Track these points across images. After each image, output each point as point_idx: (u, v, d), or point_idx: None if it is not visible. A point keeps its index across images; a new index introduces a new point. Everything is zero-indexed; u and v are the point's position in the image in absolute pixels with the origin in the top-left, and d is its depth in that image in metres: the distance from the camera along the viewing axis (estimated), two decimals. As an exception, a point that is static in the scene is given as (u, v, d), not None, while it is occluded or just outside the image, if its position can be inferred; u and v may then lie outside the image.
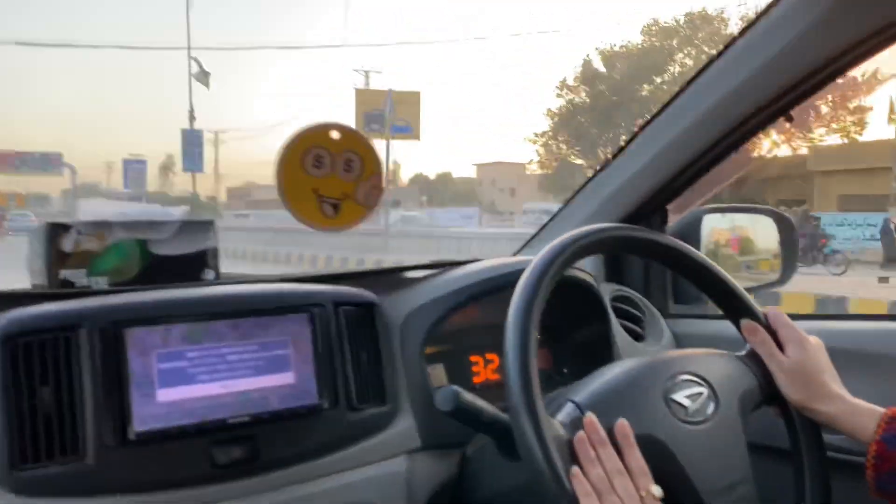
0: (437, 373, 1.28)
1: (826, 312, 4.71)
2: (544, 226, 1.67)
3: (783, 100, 1.23)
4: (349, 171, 1.20)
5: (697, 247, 1.47)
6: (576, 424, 0.86)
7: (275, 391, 1.04)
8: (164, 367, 0.97)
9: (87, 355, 0.93)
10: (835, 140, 25.84)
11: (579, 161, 32.90)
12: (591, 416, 0.85)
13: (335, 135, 1.20)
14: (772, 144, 25.52)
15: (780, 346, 1.01)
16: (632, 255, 1.62)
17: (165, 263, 1.21)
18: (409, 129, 27.70)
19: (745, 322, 1.04)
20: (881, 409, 0.94)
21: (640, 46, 31.61)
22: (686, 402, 0.93)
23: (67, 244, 1.15)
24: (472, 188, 48.97)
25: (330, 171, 1.19)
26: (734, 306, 1.05)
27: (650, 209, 1.51)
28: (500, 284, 1.21)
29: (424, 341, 1.19)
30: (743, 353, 1.04)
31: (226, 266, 1.23)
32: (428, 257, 1.44)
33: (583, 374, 0.99)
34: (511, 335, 0.86)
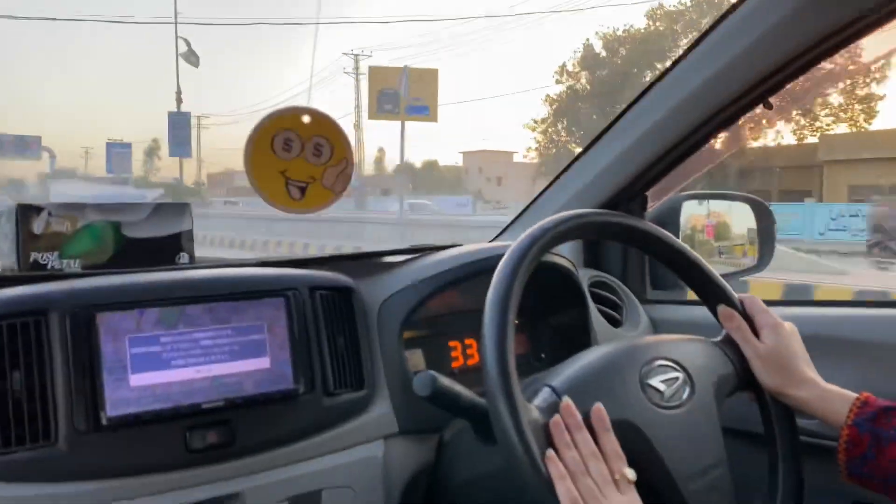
0: (415, 358, 1.28)
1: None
2: (523, 211, 1.67)
3: (762, 87, 1.24)
4: (318, 155, 1.21)
5: (676, 233, 1.48)
6: (552, 409, 0.86)
7: (250, 376, 1.03)
8: (137, 352, 0.96)
9: (59, 339, 0.92)
10: (843, 129, 25.33)
11: (578, 149, 31.93)
12: (567, 401, 0.86)
13: (306, 119, 1.21)
14: (776, 134, 25.04)
15: (755, 332, 1.02)
16: (610, 242, 1.63)
17: (139, 246, 1.19)
18: (425, 110, 25.32)
19: (721, 308, 1.04)
20: (853, 395, 0.95)
21: (643, 31, 30.59)
22: (662, 387, 0.94)
23: (38, 226, 1.13)
24: (459, 176, 48.81)
25: (299, 155, 1.20)
26: (711, 292, 1.06)
27: (629, 195, 1.52)
28: (479, 269, 1.21)
29: (402, 326, 1.19)
30: (719, 338, 1.05)
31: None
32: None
33: (560, 359, 0.99)
34: (489, 319, 0.86)
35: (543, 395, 0.89)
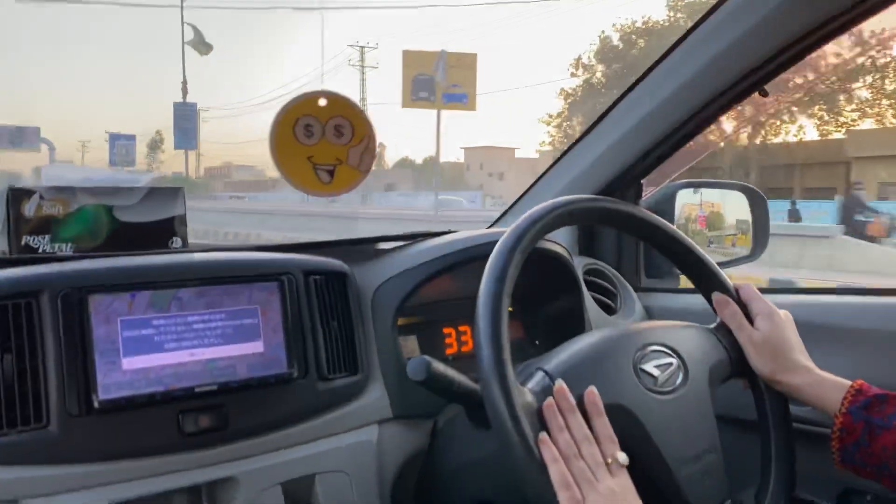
0: (410, 344, 1.28)
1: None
2: (519, 198, 1.67)
3: (757, 74, 1.23)
4: (340, 136, 1.22)
5: (671, 221, 1.48)
6: (546, 393, 0.86)
7: (243, 360, 1.02)
8: (129, 335, 0.95)
9: (50, 322, 0.91)
10: (869, 125, 24.07)
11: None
12: (561, 384, 0.86)
13: (322, 102, 1.21)
14: (798, 129, 24.42)
15: (749, 320, 1.02)
16: (605, 229, 1.63)
17: (132, 230, 1.19)
18: (463, 98, 23.26)
19: (716, 295, 1.05)
20: (847, 382, 0.95)
21: (662, 23, 29.03)
22: (656, 372, 0.94)
23: (29, 209, 1.12)
24: (460, 172, 48.63)
25: (321, 138, 1.21)
26: (706, 280, 1.06)
27: (625, 183, 1.52)
28: (473, 256, 1.21)
29: (397, 312, 1.18)
30: (713, 325, 1.05)
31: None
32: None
33: (554, 345, 0.99)
34: (483, 305, 0.86)
35: (537, 379, 0.89)
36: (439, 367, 0.87)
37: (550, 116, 34.32)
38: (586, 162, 1.52)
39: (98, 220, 1.17)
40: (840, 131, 23.99)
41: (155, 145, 42.33)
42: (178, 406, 0.97)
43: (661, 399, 0.92)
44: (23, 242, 1.12)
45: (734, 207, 1.67)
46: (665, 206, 1.58)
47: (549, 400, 0.84)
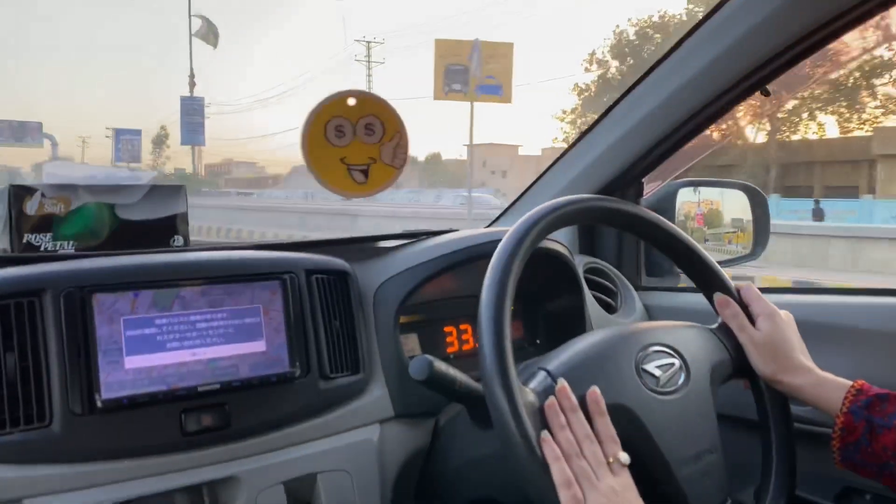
0: (411, 343, 1.28)
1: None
2: (519, 197, 1.67)
3: (759, 73, 1.23)
4: (371, 134, 1.23)
5: (672, 220, 1.48)
6: (548, 392, 0.86)
7: (246, 359, 1.02)
8: (131, 334, 0.95)
9: (53, 321, 0.91)
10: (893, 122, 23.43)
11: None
12: (563, 383, 0.86)
13: (351, 102, 1.22)
14: (819, 127, 23.84)
15: (751, 320, 1.02)
16: (605, 228, 1.63)
17: (134, 229, 1.19)
18: (498, 90, 21.54)
19: (717, 295, 1.05)
20: (848, 382, 0.96)
21: (679, 17, 29.00)
22: (657, 372, 0.94)
23: (31, 207, 1.12)
24: (462, 169, 48.34)
25: (353, 139, 1.21)
26: (707, 279, 1.06)
27: (626, 182, 1.52)
28: (475, 255, 1.21)
29: (398, 311, 1.19)
30: (714, 325, 1.05)
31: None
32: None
33: (555, 344, 1.00)
34: (486, 305, 0.86)
35: (539, 379, 0.90)
36: (441, 366, 0.88)
37: (564, 112, 34.06)
38: (587, 161, 1.52)
39: (99, 218, 1.17)
40: (863, 128, 23.49)
41: (160, 141, 41.79)
42: (180, 405, 0.97)
43: (663, 399, 0.92)
44: (24, 240, 1.12)
45: (733, 206, 1.67)
46: (666, 204, 1.59)
47: (552, 400, 0.85)
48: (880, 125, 22.91)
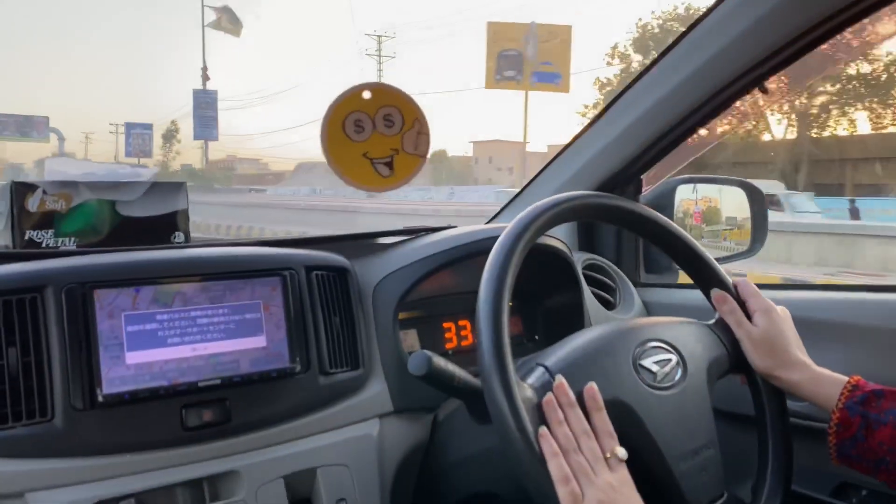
0: (410, 338, 1.29)
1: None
2: (518, 194, 1.68)
3: (757, 71, 1.24)
4: (391, 125, 1.22)
5: (670, 217, 1.49)
6: (546, 388, 0.87)
7: (246, 354, 1.03)
8: (132, 330, 0.96)
9: (55, 316, 0.92)
10: None
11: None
12: (560, 379, 0.87)
13: (367, 95, 1.21)
14: (849, 124, 22.99)
15: (748, 316, 1.03)
16: (604, 225, 1.63)
17: (135, 225, 1.19)
18: (556, 78, 20.39)
19: (714, 292, 1.05)
20: (844, 378, 0.96)
21: (702, 9, 28.12)
22: (655, 368, 0.94)
23: (33, 204, 1.12)
24: (468, 166, 48.15)
25: (373, 132, 1.21)
26: (705, 276, 1.07)
27: (624, 179, 1.52)
28: (474, 251, 1.21)
29: (397, 307, 1.19)
30: (712, 321, 1.06)
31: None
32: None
33: (554, 340, 1.00)
34: (484, 300, 0.87)
35: (537, 374, 0.90)
36: (440, 361, 0.88)
37: (586, 107, 32.98)
38: (586, 157, 1.52)
39: (100, 214, 1.18)
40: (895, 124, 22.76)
41: (170, 135, 40.90)
42: (181, 400, 0.97)
43: (660, 395, 0.93)
44: (26, 237, 1.12)
45: (730, 203, 1.67)
46: (664, 201, 1.59)
47: (549, 395, 0.85)
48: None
